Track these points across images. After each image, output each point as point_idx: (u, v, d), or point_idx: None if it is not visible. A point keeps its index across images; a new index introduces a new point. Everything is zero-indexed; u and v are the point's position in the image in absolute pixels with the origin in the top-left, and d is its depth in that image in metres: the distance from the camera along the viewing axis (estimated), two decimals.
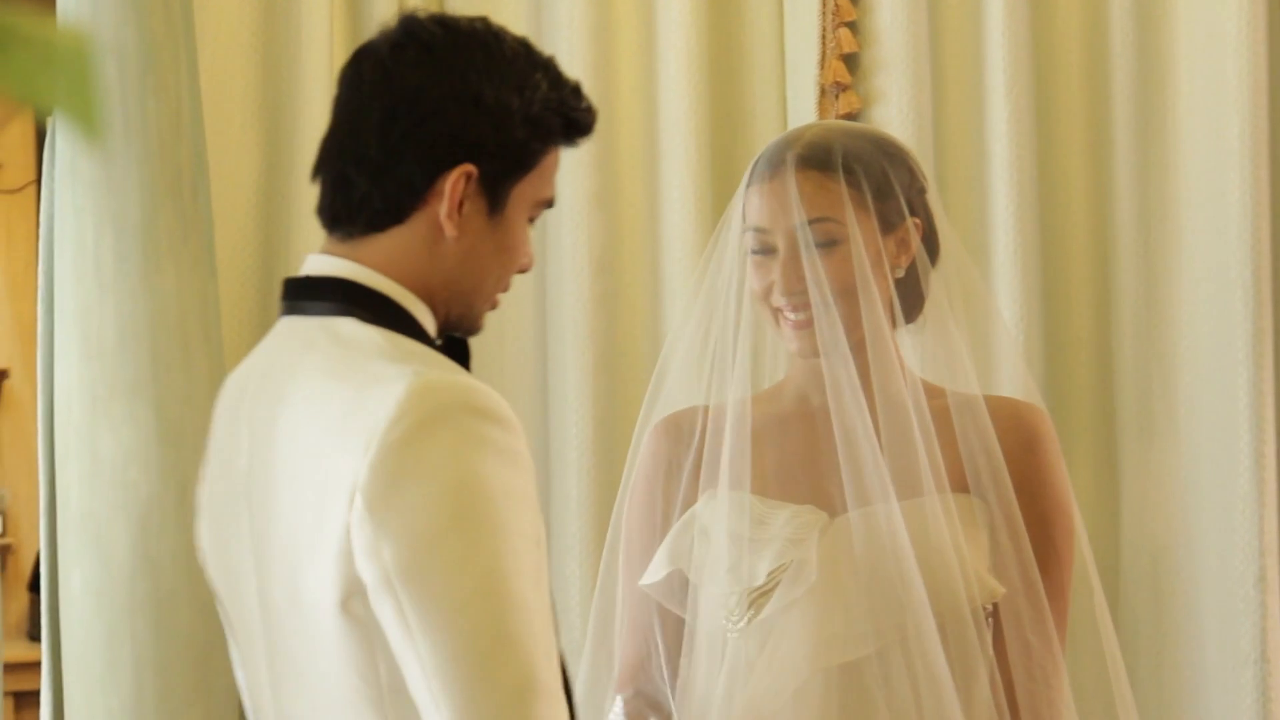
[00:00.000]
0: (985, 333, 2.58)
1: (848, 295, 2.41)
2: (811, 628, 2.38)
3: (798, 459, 2.47)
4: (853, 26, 3.39)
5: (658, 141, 3.41)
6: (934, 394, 2.47)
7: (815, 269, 2.39)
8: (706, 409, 2.52)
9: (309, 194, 2.10)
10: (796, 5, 3.42)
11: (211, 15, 3.27)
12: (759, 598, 2.40)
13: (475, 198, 2.04)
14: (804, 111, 3.37)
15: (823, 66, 3.37)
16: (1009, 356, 2.63)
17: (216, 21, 3.28)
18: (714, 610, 2.43)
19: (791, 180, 2.41)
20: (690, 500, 2.49)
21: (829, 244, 2.40)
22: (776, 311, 2.45)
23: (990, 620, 2.41)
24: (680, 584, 2.47)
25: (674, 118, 3.38)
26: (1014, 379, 2.61)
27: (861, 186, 2.42)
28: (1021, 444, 2.47)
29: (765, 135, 3.42)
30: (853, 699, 2.38)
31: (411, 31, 2.06)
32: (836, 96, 3.37)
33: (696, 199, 3.36)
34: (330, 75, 3.27)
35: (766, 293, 2.44)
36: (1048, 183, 3.45)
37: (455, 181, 2.02)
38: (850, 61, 3.39)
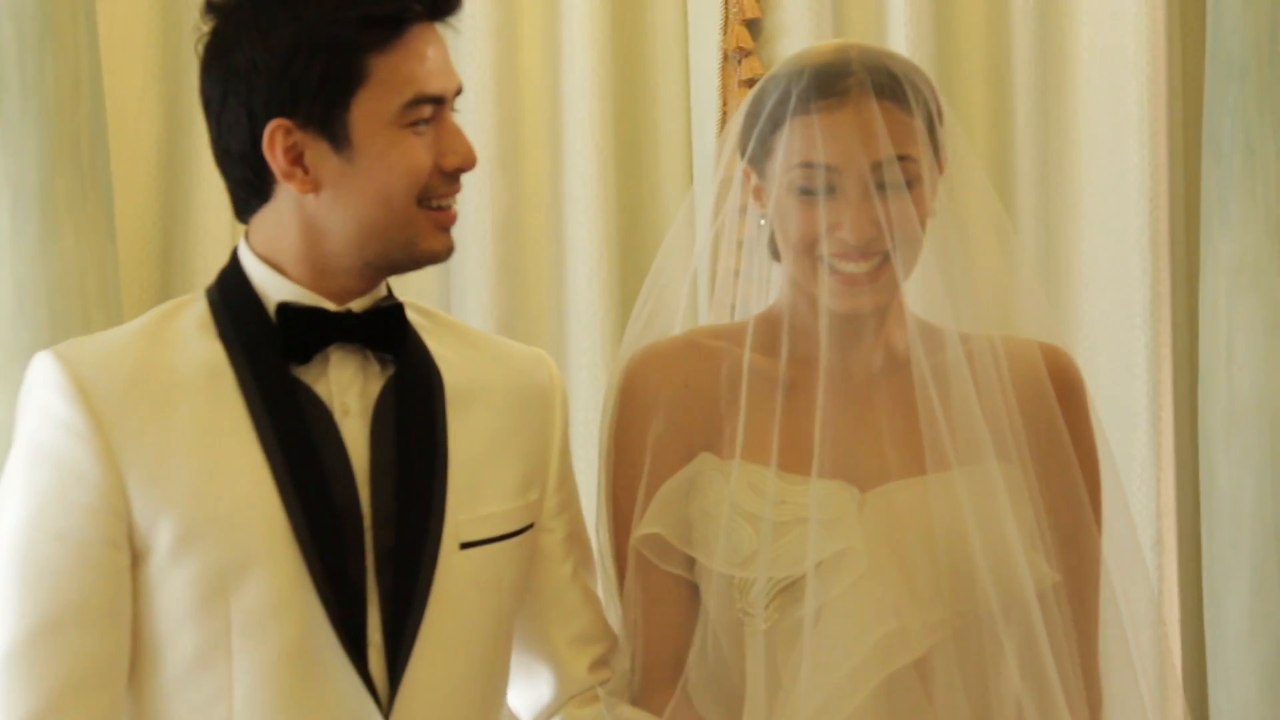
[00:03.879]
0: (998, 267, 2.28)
1: (917, 243, 2.14)
2: (865, 626, 2.09)
3: (825, 428, 2.15)
4: None
5: (560, 105, 3.40)
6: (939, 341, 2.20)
7: (905, 211, 2.10)
8: (699, 348, 2.22)
9: (209, 157, 2.09)
10: None
11: None
12: (788, 589, 2.11)
13: (314, 144, 1.99)
14: (706, 76, 3.38)
15: (725, 31, 3.38)
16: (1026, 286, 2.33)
17: None
18: (727, 598, 2.14)
19: (873, 110, 2.09)
20: (681, 452, 2.21)
21: (909, 184, 2.11)
22: (818, 260, 2.13)
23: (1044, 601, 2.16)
24: (665, 544, 2.18)
25: (577, 80, 3.37)
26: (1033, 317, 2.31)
27: (924, 119, 2.14)
28: (1059, 397, 2.20)
29: (668, 98, 3.43)
30: (900, 697, 2.10)
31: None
32: (739, 61, 3.37)
33: (599, 161, 3.35)
34: None
35: (828, 234, 2.12)
36: None
37: (270, 143, 1.99)
38: (753, 27, 3.40)
